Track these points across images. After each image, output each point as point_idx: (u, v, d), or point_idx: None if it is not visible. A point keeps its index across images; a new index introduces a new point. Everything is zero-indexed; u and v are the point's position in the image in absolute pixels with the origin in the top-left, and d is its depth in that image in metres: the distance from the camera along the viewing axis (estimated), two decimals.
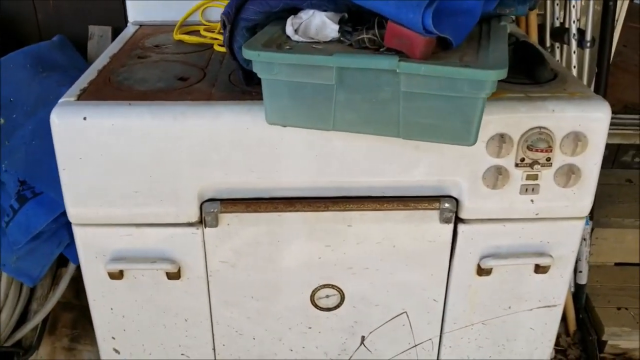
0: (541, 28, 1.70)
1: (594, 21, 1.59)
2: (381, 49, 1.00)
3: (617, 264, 1.94)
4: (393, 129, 0.99)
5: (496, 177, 1.16)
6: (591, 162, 1.16)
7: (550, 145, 1.13)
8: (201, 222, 1.20)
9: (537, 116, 1.12)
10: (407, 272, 1.28)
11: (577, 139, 1.13)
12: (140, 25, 1.62)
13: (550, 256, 1.24)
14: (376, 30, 1.01)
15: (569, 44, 1.61)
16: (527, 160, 1.15)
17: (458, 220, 1.23)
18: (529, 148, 1.13)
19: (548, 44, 1.69)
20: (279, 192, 1.18)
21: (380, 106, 0.97)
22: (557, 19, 1.67)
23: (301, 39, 1.04)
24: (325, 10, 1.07)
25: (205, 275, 1.27)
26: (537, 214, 1.21)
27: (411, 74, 0.91)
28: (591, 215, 1.72)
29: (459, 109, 0.93)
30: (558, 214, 1.21)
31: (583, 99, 1.14)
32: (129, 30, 1.59)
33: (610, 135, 2.09)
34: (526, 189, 1.18)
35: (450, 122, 0.95)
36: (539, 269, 1.27)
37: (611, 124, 2.10)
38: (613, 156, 2.11)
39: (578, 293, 1.80)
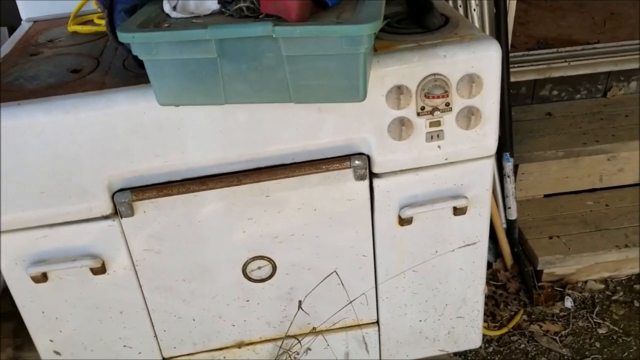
0: None
1: None
2: (260, 16, 0.99)
3: (545, 196, 2.02)
4: (284, 95, 0.99)
5: (400, 128, 1.18)
6: (489, 101, 1.19)
7: (447, 91, 1.15)
8: (117, 213, 1.19)
9: (430, 63, 1.14)
10: (332, 233, 1.30)
11: (471, 81, 1.15)
12: (35, 22, 1.56)
13: (465, 197, 1.28)
14: None
15: None
16: (427, 108, 1.17)
17: (372, 175, 1.25)
18: (427, 96, 1.15)
19: None
20: (190, 172, 1.17)
21: (268, 73, 0.97)
22: None
23: (180, 16, 1.03)
24: None
25: (132, 265, 1.26)
26: (446, 159, 1.24)
27: (288, 37, 0.91)
28: (511, 152, 1.77)
29: (342, 67, 0.94)
30: (466, 156, 1.25)
31: (473, 41, 1.16)
32: (23, 28, 1.53)
33: (526, 72, 2.17)
34: (431, 136, 1.21)
35: (337, 81, 0.96)
36: (457, 211, 1.30)
37: (525, 61, 2.16)
38: (531, 92, 2.17)
39: (510, 228, 1.86)
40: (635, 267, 1.83)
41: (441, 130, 1.21)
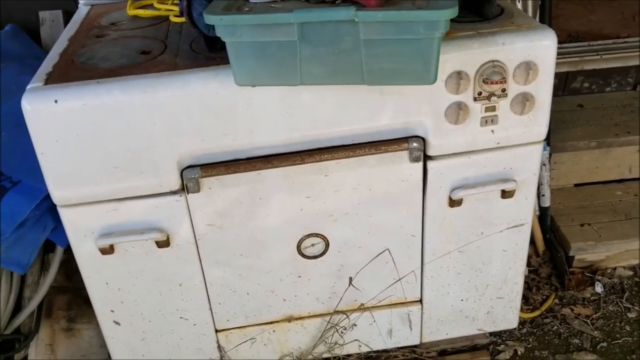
0: None
1: None
2: (337, 2, 1.04)
3: (576, 185, 2.07)
4: (358, 77, 1.04)
5: (457, 112, 1.23)
6: (543, 88, 1.24)
7: (504, 77, 1.20)
8: (183, 189, 1.24)
9: (489, 50, 1.19)
10: (384, 213, 1.35)
11: (528, 68, 1.20)
12: (92, 5, 1.61)
13: (514, 180, 1.34)
14: None
15: None
16: (484, 94, 1.22)
17: (427, 158, 1.30)
18: (485, 82, 1.20)
19: None
20: (256, 151, 1.23)
21: (344, 56, 1.02)
22: None
23: (260, 0, 1.08)
24: None
25: (194, 240, 1.32)
26: (498, 143, 1.29)
27: (369, 22, 0.96)
28: (548, 141, 1.82)
29: (417, 51, 0.99)
30: (517, 141, 1.30)
31: (530, 30, 1.21)
32: (82, 11, 1.58)
33: (558, 64, 2.19)
34: (486, 121, 1.26)
35: (411, 64, 1.01)
36: (505, 194, 1.36)
37: (558, 54, 2.20)
38: (563, 84, 2.21)
39: (543, 215, 1.92)
40: None
41: (495, 115, 1.26)
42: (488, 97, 1.23)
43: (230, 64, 1.06)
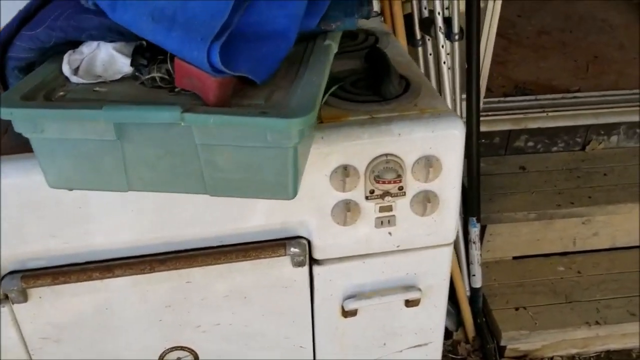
0: (410, 18, 1.56)
1: (462, 10, 1.46)
2: (176, 89, 0.83)
3: (515, 258, 1.88)
4: (199, 186, 0.82)
5: (345, 213, 1.01)
6: (449, 185, 1.04)
7: (400, 175, 0.99)
8: (7, 297, 1.01)
9: (382, 142, 0.98)
10: (265, 323, 1.13)
11: (428, 165, 1.00)
12: None
13: (419, 289, 1.13)
14: (170, 66, 0.83)
15: (435, 37, 1.48)
16: (377, 192, 1.01)
17: (313, 261, 1.08)
18: (377, 180, 0.99)
19: (418, 36, 1.55)
20: (94, 255, 1.00)
21: (179, 161, 0.80)
22: (425, 8, 1.53)
23: (81, 81, 0.85)
24: (112, 41, 0.88)
25: (28, 356, 1.08)
26: (398, 246, 1.08)
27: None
28: (478, 217, 1.62)
29: (268, 161, 0.77)
30: (421, 244, 1.09)
31: (433, 117, 1.00)
32: None
33: (501, 121, 2.03)
34: (381, 222, 1.05)
35: (262, 175, 0.79)
36: (409, 303, 1.15)
37: (501, 109, 2.02)
38: (505, 142, 2.03)
39: (474, 297, 1.72)
40: (606, 344, 1.70)
41: (393, 216, 1.05)
42: (382, 197, 1.02)
43: (39, 162, 0.83)
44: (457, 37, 1.47)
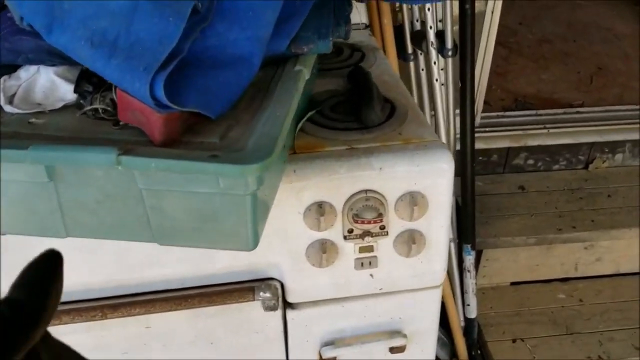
0: (401, 30, 1.45)
1: (455, 24, 1.36)
2: (121, 123, 0.73)
3: (513, 284, 1.78)
4: (145, 234, 0.71)
5: (320, 255, 0.91)
6: (436, 224, 0.94)
7: (381, 213, 0.89)
8: None
9: (362, 176, 0.88)
10: None
11: (413, 202, 0.89)
12: None
13: (404, 335, 1.02)
14: (115, 95, 0.73)
15: (427, 52, 1.38)
16: (356, 232, 0.91)
17: (287, 305, 0.98)
18: (356, 219, 0.89)
19: (410, 50, 1.45)
20: None
21: (121, 206, 0.69)
22: (417, 20, 1.43)
23: (16, 110, 0.75)
24: (54, 65, 0.78)
25: None
26: (380, 289, 0.98)
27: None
28: (473, 244, 1.52)
29: (223, 209, 0.67)
30: (406, 287, 0.99)
31: (419, 149, 0.90)
32: None
33: (499, 138, 1.93)
34: (362, 263, 0.95)
35: (217, 224, 0.69)
36: (394, 350, 1.04)
37: (499, 124, 1.92)
38: (504, 160, 1.93)
39: (469, 327, 1.62)
40: None
41: (374, 257, 0.95)
42: (361, 236, 0.92)
43: None
44: (450, 53, 1.37)
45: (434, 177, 0.90)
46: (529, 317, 1.66)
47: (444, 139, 1.55)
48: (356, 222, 0.89)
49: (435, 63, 1.37)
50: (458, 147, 1.56)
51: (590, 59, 2.52)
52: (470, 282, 1.54)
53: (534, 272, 1.76)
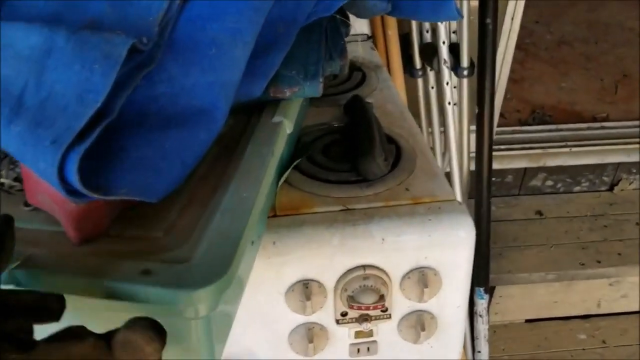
0: (408, 40, 1.26)
1: (472, 40, 1.16)
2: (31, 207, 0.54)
3: (528, 321, 1.61)
4: None
5: (306, 345, 0.74)
6: (450, 304, 0.76)
7: (383, 294, 0.71)
8: None
9: (359, 249, 0.70)
10: None
11: (423, 281, 0.71)
12: None
13: None
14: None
15: (439, 71, 1.19)
16: (352, 314, 0.73)
17: None
18: (351, 303, 0.71)
19: (418, 64, 1.26)
20: None
21: None
22: (427, 31, 1.24)
23: None
24: None
25: None
26: None
27: None
28: (486, 287, 1.35)
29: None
30: None
31: (431, 212, 0.72)
32: None
33: (515, 157, 1.74)
34: (358, 350, 0.77)
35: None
36: None
37: (515, 141, 1.73)
38: (520, 181, 1.75)
39: None
40: None
41: (374, 342, 0.77)
42: (358, 320, 0.74)
43: None
44: (466, 72, 1.18)
45: (450, 248, 0.71)
46: None
47: (455, 164, 1.36)
48: (352, 307, 0.71)
49: (447, 83, 1.18)
50: (472, 168, 1.38)
51: (614, 64, 2.32)
52: (483, 327, 1.37)
53: (552, 309, 1.58)
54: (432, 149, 1.44)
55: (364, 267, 0.70)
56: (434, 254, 0.71)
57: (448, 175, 1.40)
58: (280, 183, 0.74)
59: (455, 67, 1.18)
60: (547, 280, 1.51)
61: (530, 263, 1.52)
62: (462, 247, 0.72)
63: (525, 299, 1.54)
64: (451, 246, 0.71)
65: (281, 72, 0.63)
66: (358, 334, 0.75)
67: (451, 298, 0.75)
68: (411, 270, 0.71)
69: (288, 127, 0.62)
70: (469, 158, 1.38)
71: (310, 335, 0.73)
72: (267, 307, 0.71)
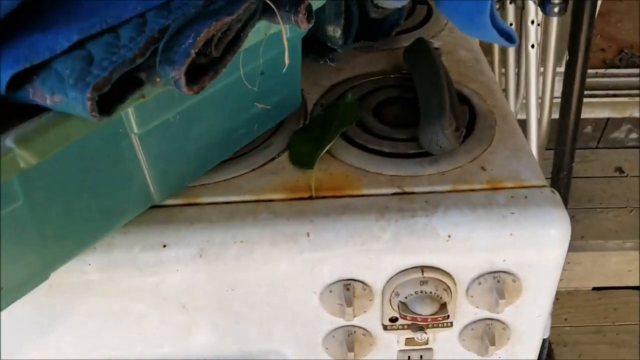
0: None
1: None
2: None
3: (595, 289, 1.44)
4: None
5: (345, 350, 0.60)
6: (529, 313, 0.61)
7: (446, 303, 0.57)
8: None
9: (417, 246, 0.55)
10: None
11: (499, 289, 0.56)
12: None
13: None
14: None
15: (523, 7, 0.97)
16: (403, 321, 0.59)
17: None
18: (404, 314, 0.57)
19: None
20: None
21: None
22: None
23: None
24: None
25: None
26: None
27: None
28: None
29: None
30: None
31: (512, 204, 0.55)
32: None
33: (595, 105, 1.51)
34: (409, 358, 0.64)
35: None
36: None
37: (597, 87, 1.51)
38: (599, 132, 1.52)
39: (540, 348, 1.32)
40: None
41: (429, 350, 0.63)
42: (411, 328, 0.60)
43: None
44: (557, 9, 0.95)
45: (536, 251, 0.55)
46: (614, 336, 1.34)
47: (533, 112, 1.16)
48: (404, 317, 0.57)
49: (533, 22, 0.96)
50: (554, 116, 1.19)
51: None
52: None
53: (624, 278, 1.41)
54: (505, 91, 1.24)
55: (422, 268, 0.55)
56: (514, 257, 0.55)
57: (522, 123, 1.22)
58: (318, 156, 0.59)
59: (544, 2, 0.95)
60: (624, 248, 1.33)
61: (606, 229, 1.33)
62: (552, 250, 0.55)
63: (595, 267, 1.38)
64: (538, 248, 0.55)
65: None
66: (409, 341, 0.62)
67: (531, 308, 0.60)
68: (482, 275, 0.56)
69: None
70: (551, 105, 1.18)
71: (351, 340, 0.60)
72: (298, 306, 0.58)
